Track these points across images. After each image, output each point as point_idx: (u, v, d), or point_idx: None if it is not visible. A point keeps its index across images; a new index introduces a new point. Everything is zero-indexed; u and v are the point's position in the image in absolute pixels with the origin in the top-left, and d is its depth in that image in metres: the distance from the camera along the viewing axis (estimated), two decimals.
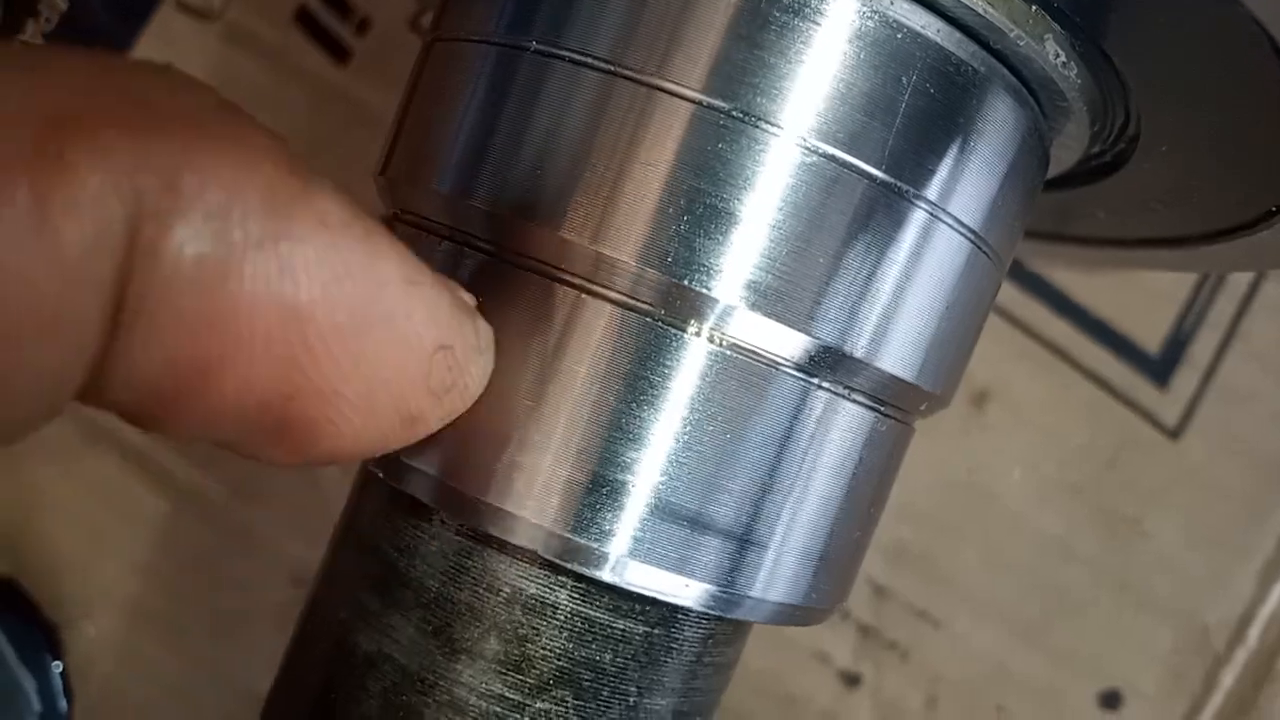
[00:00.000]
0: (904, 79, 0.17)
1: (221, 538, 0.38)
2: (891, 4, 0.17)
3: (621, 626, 0.19)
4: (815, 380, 0.19)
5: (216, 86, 0.41)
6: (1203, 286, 0.38)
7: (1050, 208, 0.26)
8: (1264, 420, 0.38)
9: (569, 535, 0.18)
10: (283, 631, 0.38)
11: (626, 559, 0.18)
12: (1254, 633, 0.38)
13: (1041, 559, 0.38)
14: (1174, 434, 0.38)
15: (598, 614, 0.19)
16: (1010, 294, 0.38)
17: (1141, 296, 0.38)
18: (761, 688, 0.37)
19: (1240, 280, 0.39)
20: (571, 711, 0.18)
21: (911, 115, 0.18)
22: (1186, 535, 0.38)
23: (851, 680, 0.37)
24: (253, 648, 0.38)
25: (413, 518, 0.19)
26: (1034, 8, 0.18)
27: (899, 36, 0.17)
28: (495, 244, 0.19)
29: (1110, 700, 0.38)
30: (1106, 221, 0.26)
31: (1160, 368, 0.38)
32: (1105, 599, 0.38)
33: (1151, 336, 0.38)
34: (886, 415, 0.20)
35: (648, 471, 0.18)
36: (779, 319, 0.18)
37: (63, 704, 0.37)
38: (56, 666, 0.38)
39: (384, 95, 0.38)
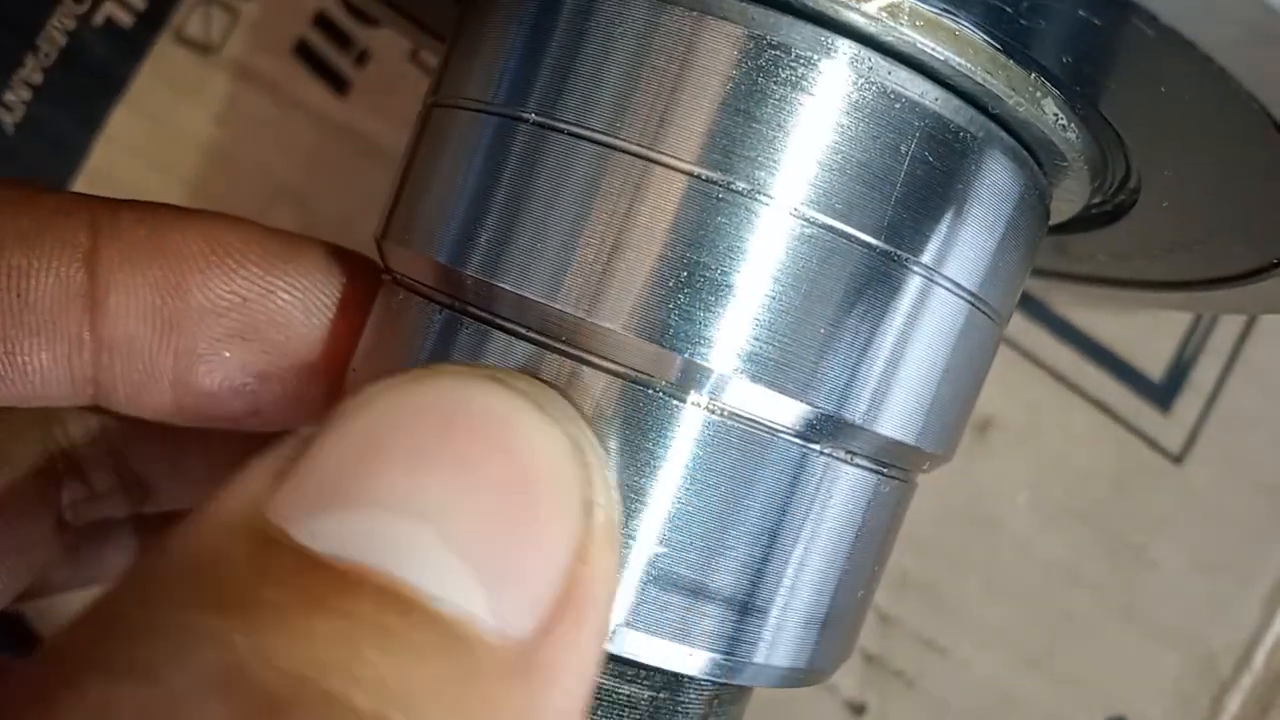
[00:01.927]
0: (902, 148, 0.17)
1: None
2: (889, 74, 0.17)
3: (627, 692, 0.19)
4: (816, 446, 0.19)
5: (218, 117, 0.41)
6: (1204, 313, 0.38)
7: (1052, 248, 0.27)
8: (1266, 444, 0.38)
9: None
10: None
11: (625, 629, 0.18)
12: (1260, 658, 0.38)
13: (1046, 585, 0.38)
14: (1177, 459, 0.38)
15: (604, 680, 0.19)
16: (1014, 321, 0.38)
17: (1144, 323, 0.38)
18: (768, 719, 0.37)
19: None
20: None
21: (910, 184, 0.18)
22: (1191, 560, 0.38)
23: (857, 710, 0.37)
24: None
25: None
26: (1032, 74, 0.18)
27: (897, 106, 0.17)
28: (491, 313, 0.19)
29: None
30: (1108, 264, 0.27)
31: (1163, 393, 0.38)
32: (1111, 625, 0.38)
33: (1154, 362, 0.38)
34: (889, 476, 0.20)
35: (647, 542, 0.18)
36: (778, 388, 0.18)
37: None
38: None
39: (385, 125, 0.39)
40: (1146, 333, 0.38)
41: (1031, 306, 0.38)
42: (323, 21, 0.38)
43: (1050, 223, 0.22)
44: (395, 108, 0.39)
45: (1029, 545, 0.38)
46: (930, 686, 0.37)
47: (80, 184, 0.38)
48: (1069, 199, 0.21)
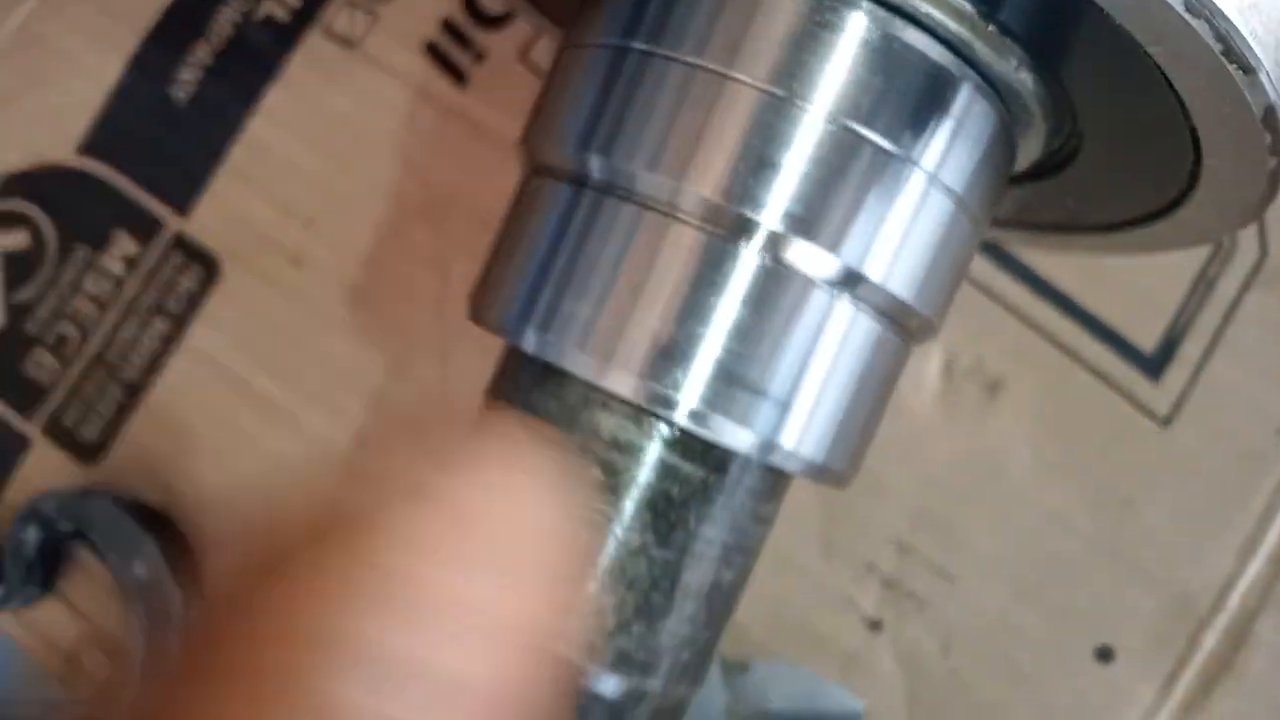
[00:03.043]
0: (901, 78, 0.24)
1: None
2: (890, 24, 0.24)
3: (687, 469, 0.25)
4: (839, 292, 0.25)
5: (357, 101, 0.45)
6: (1193, 295, 0.41)
7: (1037, 198, 0.32)
8: (1245, 412, 0.41)
9: (653, 384, 0.24)
10: None
11: (696, 408, 0.25)
12: (1233, 601, 0.41)
13: (1044, 530, 0.40)
14: (1165, 422, 0.41)
15: (671, 458, 0.25)
16: (1023, 296, 0.42)
17: (1139, 301, 0.42)
18: (794, 629, 0.41)
19: (1227, 290, 0.42)
20: (648, 527, 0.25)
21: (910, 103, 0.24)
22: (1174, 513, 0.41)
23: (874, 625, 0.40)
24: None
25: (541, 379, 0.26)
26: (993, 29, 0.25)
27: (898, 48, 0.24)
28: (607, 184, 0.26)
29: (1104, 654, 0.41)
30: (1075, 209, 0.32)
31: (1154, 364, 0.41)
32: (1100, 567, 0.41)
33: (1147, 337, 0.42)
34: (890, 330, 0.27)
35: (714, 345, 0.24)
36: (813, 241, 0.24)
37: None
38: None
39: (497, 113, 0.43)
40: (1141, 311, 0.41)
41: (1041, 285, 0.41)
42: (448, 25, 0.43)
43: (1024, 162, 0.29)
44: (505, 98, 0.43)
45: (1029, 493, 0.41)
46: (940, 609, 0.40)
47: (238, 151, 0.43)
48: (1032, 140, 0.28)
